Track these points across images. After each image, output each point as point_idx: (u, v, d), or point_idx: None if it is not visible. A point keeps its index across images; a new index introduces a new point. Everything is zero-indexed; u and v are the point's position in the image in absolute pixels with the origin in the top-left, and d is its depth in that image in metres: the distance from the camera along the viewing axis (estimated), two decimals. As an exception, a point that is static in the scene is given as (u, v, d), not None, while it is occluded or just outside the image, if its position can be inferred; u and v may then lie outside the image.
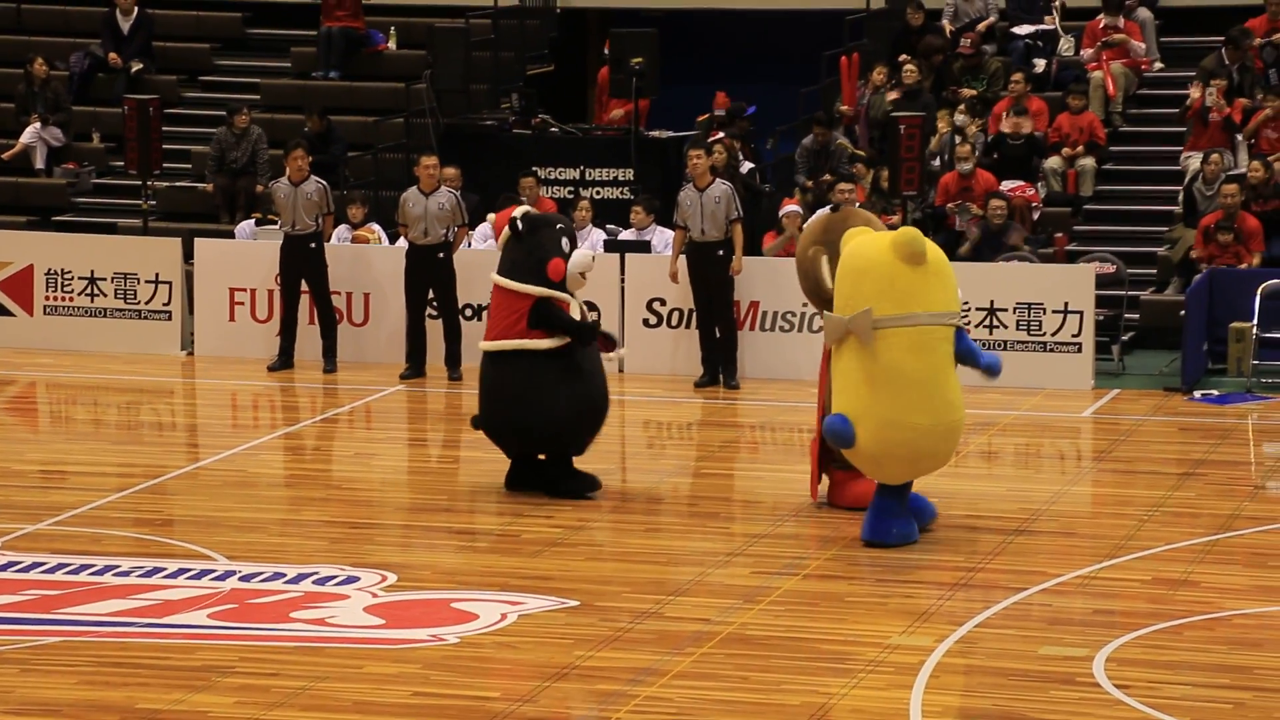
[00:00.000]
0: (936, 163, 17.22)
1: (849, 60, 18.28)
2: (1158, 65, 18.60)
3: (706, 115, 18.12)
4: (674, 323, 15.44)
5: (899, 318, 9.94)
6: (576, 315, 11.08)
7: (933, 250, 10.10)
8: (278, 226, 15.62)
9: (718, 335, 14.97)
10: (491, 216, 11.80)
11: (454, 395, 14.84)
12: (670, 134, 18.11)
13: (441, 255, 15.16)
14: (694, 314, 15.12)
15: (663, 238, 15.85)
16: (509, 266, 11.16)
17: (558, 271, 11.01)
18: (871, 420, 9.99)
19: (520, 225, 11.08)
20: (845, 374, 10.12)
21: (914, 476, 10.25)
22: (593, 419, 11.18)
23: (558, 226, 11.26)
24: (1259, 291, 14.82)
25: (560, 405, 10.96)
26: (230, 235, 17.35)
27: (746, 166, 17.45)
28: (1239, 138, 16.85)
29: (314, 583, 9.56)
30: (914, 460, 10.13)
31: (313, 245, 15.42)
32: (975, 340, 14.30)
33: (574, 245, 11.21)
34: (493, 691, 7.93)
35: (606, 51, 18.58)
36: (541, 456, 11.33)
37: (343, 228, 16.28)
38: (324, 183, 15.67)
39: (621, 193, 17.66)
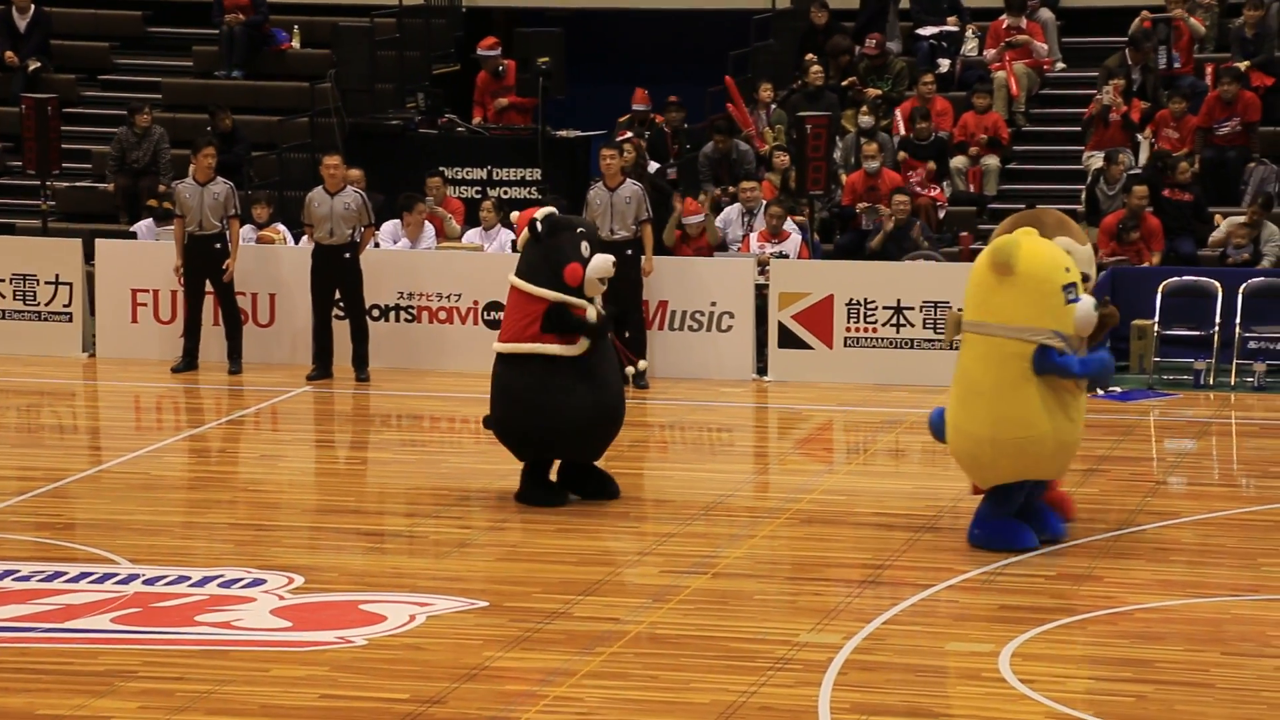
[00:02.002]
0: (843, 161, 17.32)
1: (734, 82, 18.27)
2: (1060, 65, 18.80)
3: (629, 115, 18.11)
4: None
5: (976, 325, 9.82)
6: (592, 319, 10.82)
7: (1028, 264, 9.68)
8: (172, 222, 15.42)
9: (626, 335, 14.95)
10: (515, 214, 11.47)
11: (361, 397, 14.75)
12: (578, 134, 18.09)
13: (348, 255, 15.06)
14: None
15: (570, 237, 15.80)
16: (526, 268, 10.89)
17: (575, 277, 10.75)
18: (949, 422, 10.03)
19: (540, 227, 10.83)
20: (953, 374, 10.08)
21: (987, 485, 10.00)
22: (605, 427, 10.95)
23: (578, 230, 10.96)
24: (1160, 289, 15.01)
25: (570, 411, 10.74)
26: (132, 236, 17.15)
27: (654, 166, 17.45)
28: (1139, 137, 17.04)
29: (219, 585, 9.45)
30: (976, 470, 9.99)
31: (218, 246, 15.26)
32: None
33: (595, 249, 10.91)
34: (401, 693, 7.88)
35: (479, 51, 18.51)
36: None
37: (248, 228, 16.13)
38: (230, 183, 15.52)
39: (529, 193, 17.61)
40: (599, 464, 11.25)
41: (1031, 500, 10.09)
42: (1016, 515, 10.03)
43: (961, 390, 9.92)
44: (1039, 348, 9.69)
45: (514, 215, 11.54)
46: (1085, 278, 9.94)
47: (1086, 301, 9.79)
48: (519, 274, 10.95)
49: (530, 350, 10.80)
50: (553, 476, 11.21)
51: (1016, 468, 9.86)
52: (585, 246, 10.88)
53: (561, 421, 10.78)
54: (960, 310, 10.06)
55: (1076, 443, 10.02)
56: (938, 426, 10.14)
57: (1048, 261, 9.73)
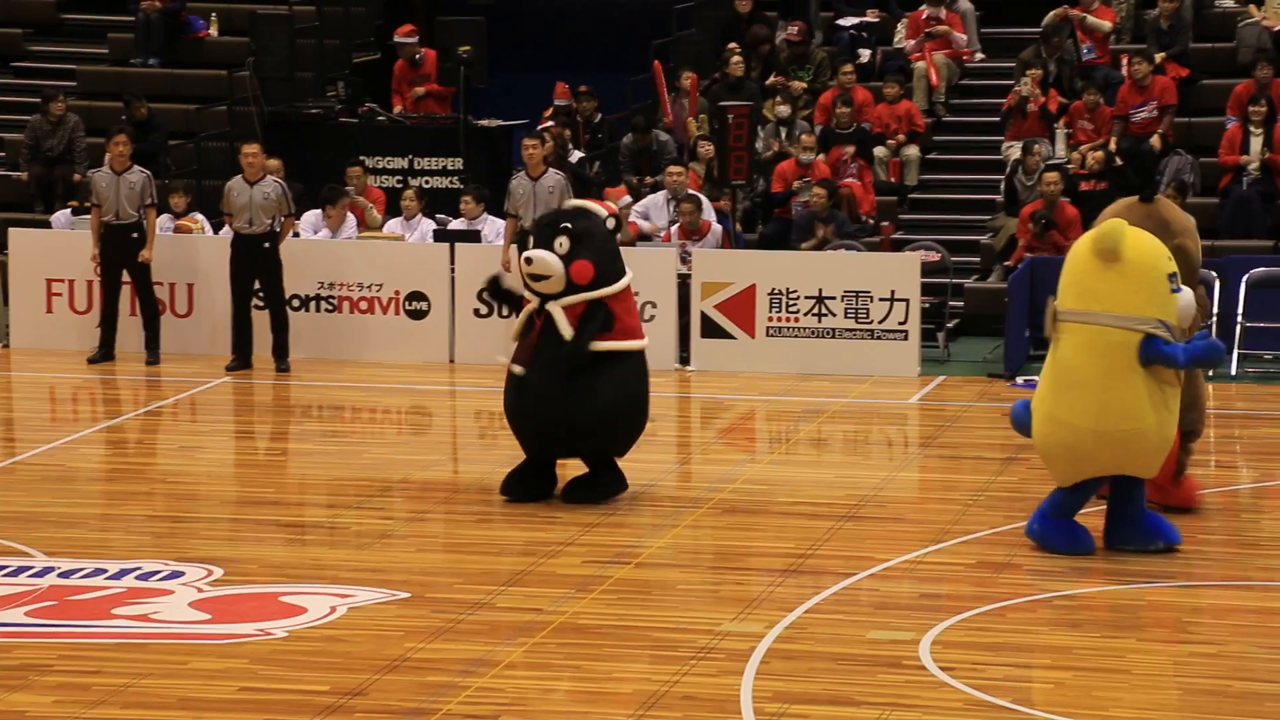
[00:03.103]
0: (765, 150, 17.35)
1: (661, 67, 18.29)
2: (979, 56, 18.92)
3: (551, 109, 18.06)
4: (505, 313, 15.32)
5: (1078, 314, 9.46)
6: (558, 320, 10.61)
7: (1134, 251, 9.40)
8: (93, 215, 15.26)
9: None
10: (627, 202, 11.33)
11: (281, 387, 14.64)
12: (500, 123, 18.03)
13: (267, 245, 14.94)
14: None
15: (494, 227, 15.77)
16: (607, 264, 10.66)
17: (586, 276, 10.62)
18: (1040, 413, 9.64)
19: (611, 224, 10.73)
20: (1045, 363, 9.76)
21: (1076, 480, 9.66)
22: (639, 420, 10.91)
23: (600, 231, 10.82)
24: (1078, 279, 15.10)
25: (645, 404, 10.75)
26: (47, 225, 16.94)
27: (576, 155, 17.43)
28: (1056, 127, 17.18)
29: (137, 578, 9.35)
30: (1074, 462, 9.59)
31: (134, 235, 15.10)
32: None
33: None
34: (321, 685, 7.82)
35: (396, 38, 18.43)
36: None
37: (165, 217, 15.97)
38: (147, 172, 15.37)
39: (450, 182, 17.54)
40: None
41: (1138, 506, 9.71)
42: (1126, 524, 9.71)
43: (1060, 381, 9.52)
44: (1145, 337, 9.36)
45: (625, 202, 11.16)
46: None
47: (1188, 292, 9.54)
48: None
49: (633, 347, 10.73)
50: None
51: (1117, 461, 9.53)
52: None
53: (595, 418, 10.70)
54: (1049, 303, 9.66)
55: (1174, 437, 9.69)
56: (1022, 420, 9.75)
57: (1153, 249, 9.47)
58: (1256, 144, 16.30)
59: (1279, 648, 8.26)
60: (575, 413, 10.58)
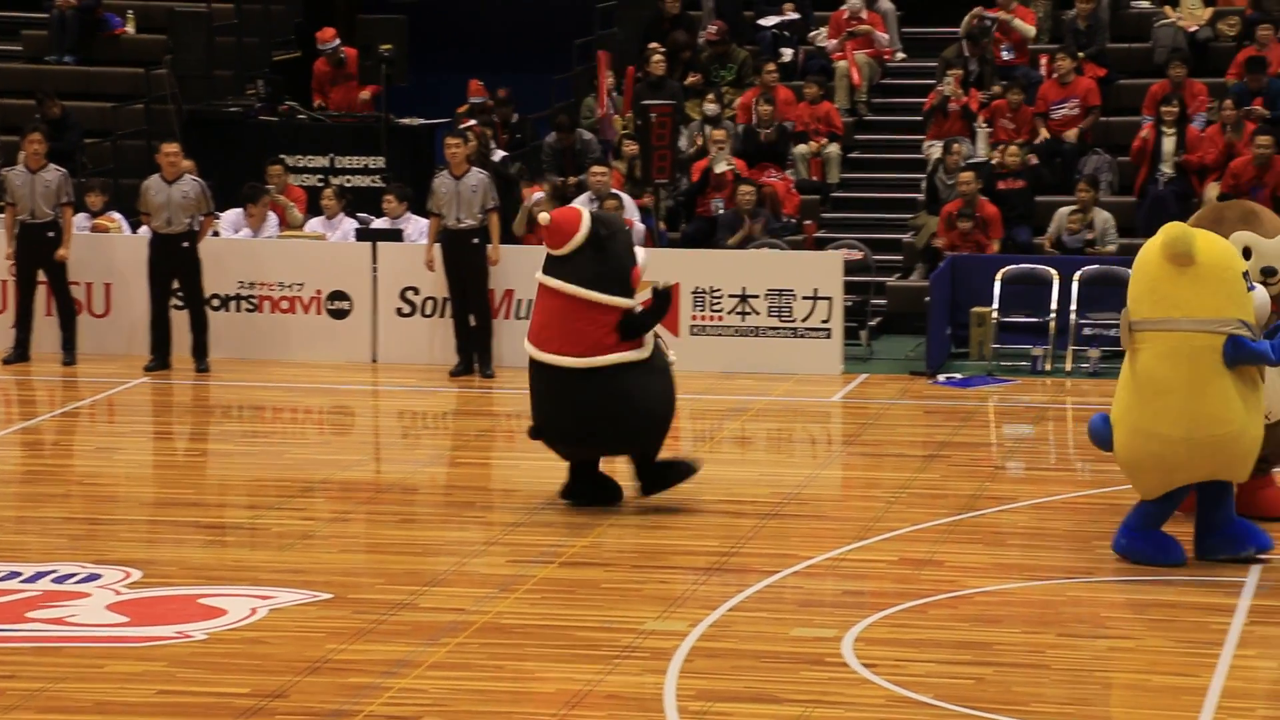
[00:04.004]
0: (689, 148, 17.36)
1: (604, 57, 18.30)
2: (900, 55, 19.02)
3: (466, 106, 18.00)
4: (428, 312, 15.32)
5: (1155, 322, 9.27)
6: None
7: (1207, 253, 9.23)
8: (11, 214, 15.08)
9: (473, 324, 14.89)
10: (545, 217, 10.71)
11: (201, 388, 14.51)
12: (422, 122, 17.96)
13: (186, 245, 14.81)
14: (449, 303, 15.02)
15: (417, 226, 15.71)
16: (593, 278, 10.38)
17: (637, 280, 10.52)
18: (1125, 427, 9.44)
19: (601, 233, 10.49)
20: (1121, 376, 9.56)
21: (1164, 491, 9.48)
22: (672, 416, 10.74)
23: (626, 230, 10.81)
24: (998, 276, 15.24)
25: (658, 404, 10.52)
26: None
27: (499, 154, 17.38)
28: (977, 126, 17.30)
29: (52, 581, 9.24)
30: (1165, 473, 9.40)
31: (50, 234, 14.93)
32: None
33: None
34: (241, 687, 7.76)
35: (319, 45, 18.36)
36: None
37: (81, 216, 15.80)
38: (63, 170, 15.20)
39: (372, 181, 17.46)
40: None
41: (1226, 513, 9.55)
42: (1216, 532, 9.56)
43: (1144, 392, 9.33)
44: (1230, 338, 9.19)
45: (543, 218, 10.72)
46: (1274, 270, 9.66)
47: (1260, 289, 9.43)
48: (579, 282, 10.39)
49: (618, 361, 10.40)
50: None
51: (1211, 467, 9.36)
52: (636, 248, 10.69)
53: (656, 418, 10.55)
54: (1123, 314, 9.51)
55: (1261, 437, 9.47)
56: (1101, 434, 9.56)
57: (1225, 249, 9.34)
58: (1169, 144, 16.48)
59: (1194, 641, 8.35)
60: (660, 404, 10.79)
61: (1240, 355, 9.23)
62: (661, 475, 10.76)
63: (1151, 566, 9.44)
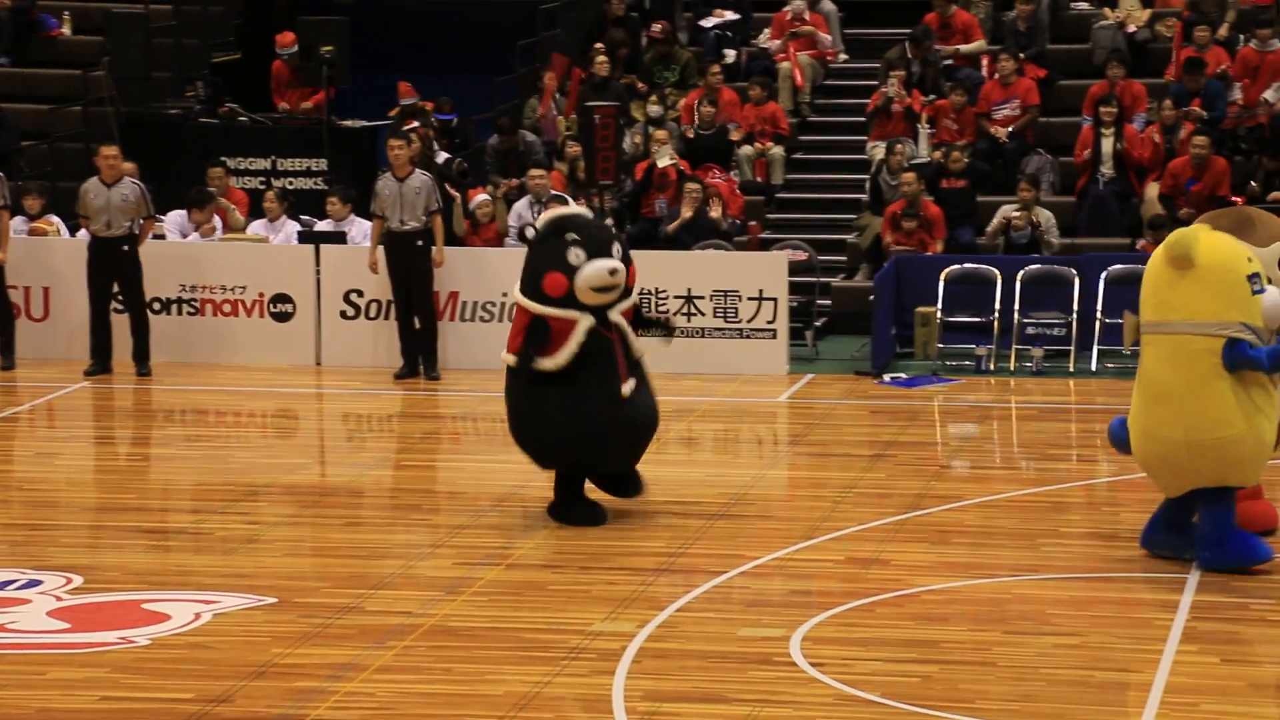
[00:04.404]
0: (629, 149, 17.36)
1: (558, 59, 18.26)
2: (843, 57, 19.08)
3: (398, 109, 17.94)
4: (372, 314, 15.25)
5: (1157, 325, 9.26)
6: (577, 338, 10.11)
7: (1207, 256, 9.16)
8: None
9: (417, 326, 14.84)
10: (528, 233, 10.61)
11: (143, 392, 14.40)
12: (364, 123, 17.88)
13: (126, 248, 14.69)
14: (393, 305, 14.95)
15: (360, 228, 15.64)
16: (522, 275, 10.38)
17: (555, 287, 10.12)
18: (1135, 430, 9.43)
19: (529, 234, 10.33)
20: (1135, 379, 9.53)
21: (1179, 492, 9.41)
22: (597, 440, 10.17)
23: (568, 236, 10.14)
24: (942, 276, 15.30)
25: (555, 423, 10.17)
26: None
27: (442, 157, 17.33)
28: (920, 127, 17.37)
29: (-6, 588, 9.15)
30: (1173, 475, 9.34)
31: (-13, 238, 14.79)
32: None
33: (596, 254, 10.12)
34: (186, 693, 7.69)
35: (278, 49, 18.31)
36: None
37: (19, 220, 15.65)
38: None
39: (315, 183, 17.37)
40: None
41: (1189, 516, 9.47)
42: (1164, 528, 9.53)
43: (1148, 394, 9.33)
44: (1229, 341, 9.12)
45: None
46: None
47: (1274, 291, 9.24)
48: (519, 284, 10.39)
49: (506, 361, 10.35)
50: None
51: (1217, 471, 9.26)
52: (576, 253, 10.14)
53: (550, 431, 10.23)
54: (1126, 317, 9.56)
55: (1273, 442, 9.33)
56: (1120, 437, 9.55)
57: (1229, 251, 9.22)
58: (1107, 144, 16.58)
59: (1138, 637, 8.40)
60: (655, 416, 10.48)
61: (1237, 359, 9.14)
62: (563, 506, 10.42)
63: (1173, 560, 9.37)
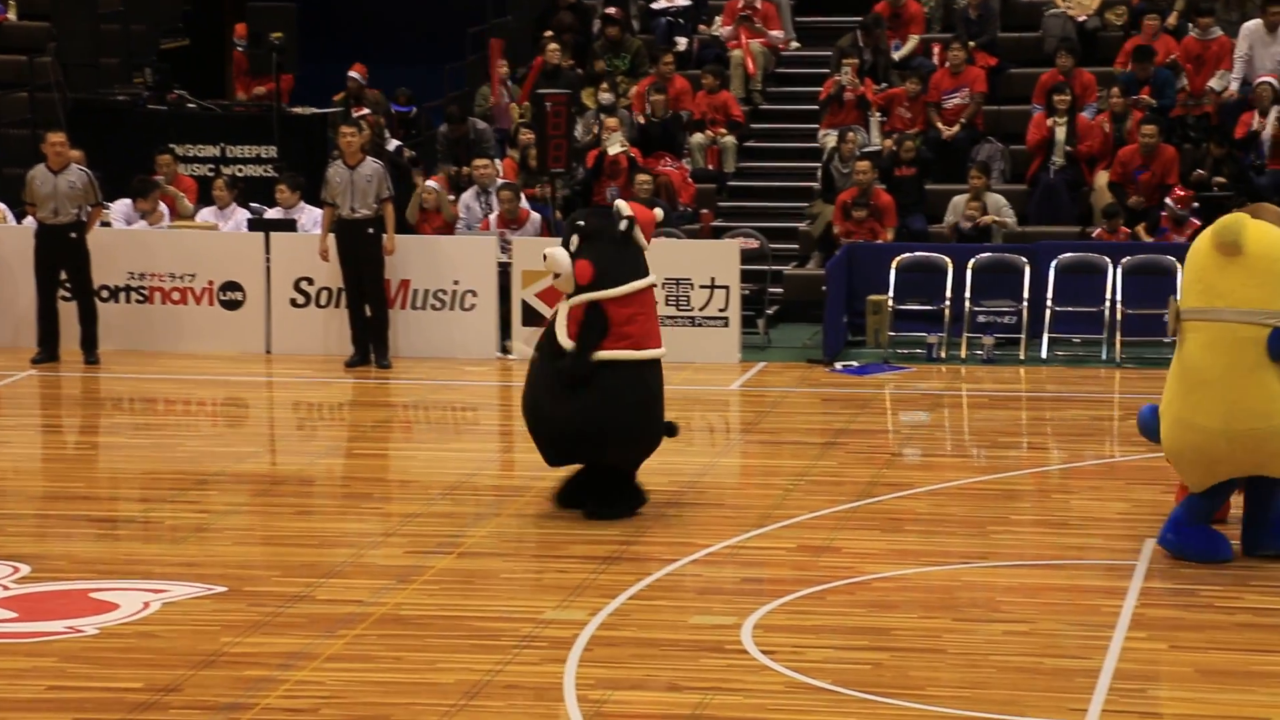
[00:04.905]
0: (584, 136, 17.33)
1: (497, 45, 18.21)
2: (794, 44, 19.10)
3: (344, 94, 17.85)
4: (323, 302, 15.19)
5: (1201, 311, 9.08)
6: (558, 322, 10.06)
7: (1256, 244, 9.01)
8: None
9: (369, 314, 14.78)
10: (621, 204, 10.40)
11: (91, 380, 14.29)
12: (314, 110, 17.80)
13: (74, 235, 14.58)
14: (344, 293, 14.89)
15: (311, 216, 15.57)
16: (603, 270, 10.07)
17: (584, 276, 10.02)
18: (1168, 417, 9.24)
19: (624, 225, 10.13)
20: (1171, 366, 9.34)
21: (1210, 483, 9.25)
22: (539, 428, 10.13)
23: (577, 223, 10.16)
24: (894, 264, 15.34)
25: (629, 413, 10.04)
26: None
27: (393, 144, 17.26)
28: (871, 115, 17.41)
29: (-61, 579, 9.06)
30: (1207, 465, 9.17)
31: (-66, 224, 14.65)
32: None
33: (581, 243, 10.07)
34: (135, 682, 7.64)
35: (235, 39, 18.22)
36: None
37: (-35, 207, 15.53)
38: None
39: (265, 170, 17.27)
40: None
41: (1275, 509, 9.29)
42: (1264, 527, 9.31)
43: (1186, 381, 9.15)
44: (1275, 331, 8.99)
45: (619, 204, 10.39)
46: None
47: None
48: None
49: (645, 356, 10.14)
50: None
51: (1253, 461, 9.12)
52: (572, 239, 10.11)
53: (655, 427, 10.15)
54: (1170, 303, 9.37)
55: None
56: (1149, 425, 9.38)
57: (1278, 241, 9.10)
58: (1060, 133, 16.65)
59: (1087, 624, 8.44)
60: (573, 418, 10.05)
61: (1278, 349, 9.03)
62: (622, 496, 10.24)
63: (1198, 562, 9.24)
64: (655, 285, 10.43)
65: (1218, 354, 9.11)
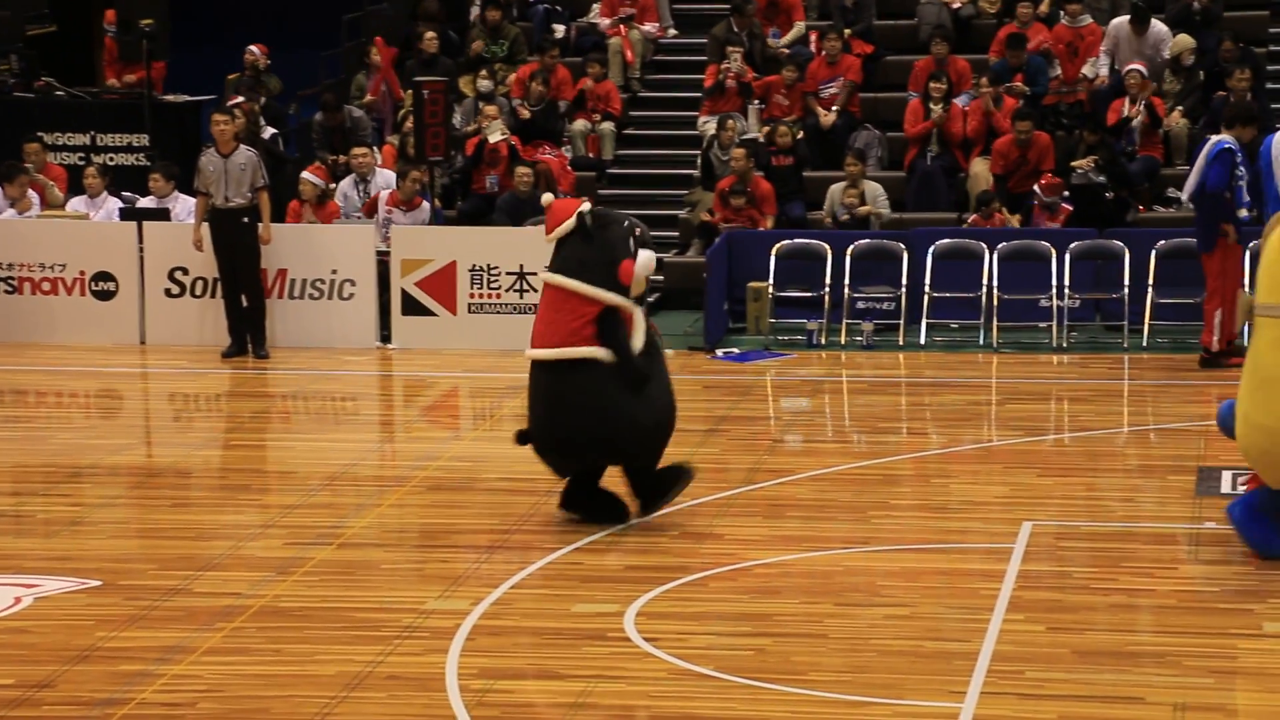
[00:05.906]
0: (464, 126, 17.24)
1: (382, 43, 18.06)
2: (672, 32, 19.12)
3: (238, 74, 17.60)
4: (198, 292, 14.99)
5: (1271, 308, 8.80)
6: (640, 334, 9.80)
7: None
8: None
9: (245, 304, 14.61)
10: (548, 197, 10.18)
11: (-41, 372, 14.00)
12: (187, 98, 17.55)
13: (-59, 224, 14.27)
14: (219, 283, 14.70)
15: (185, 205, 15.35)
16: (577, 266, 9.81)
17: (628, 274, 9.76)
18: (1239, 415, 8.97)
19: (589, 221, 9.83)
20: (1244, 361, 9.07)
21: (1276, 484, 8.91)
22: (669, 426, 9.86)
23: (625, 224, 10.01)
24: (773, 252, 15.41)
25: (640, 412, 9.69)
26: None
27: (269, 132, 17.06)
28: (750, 103, 17.46)
29: None
30: (1269, 466, 8.88)
31: None
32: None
33: (640, 245, 9.91)
34: (6, 679, 7.50)
35: (105, 24, 17.93)
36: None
37: None
38: None
39: (137, 159, 17.02)
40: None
41: None
42: None
43: (1254, 379, 8.87)
44: None
45: (546, 198, 10.18)
46: None
47: None
48: (565, 271, 9.80)
49: (585, 355, 9.70)
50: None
51: None
52: (633, 242, 9.88)
53: (633, 425, 9.72)
54: (1243, 297, 9.17)
55: None
56: (1227, 421, 9.12)
57: None
58: (936, 115, 16.78)
59: (967, 607, 8.52)
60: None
61: None
62: (656, 487, 9.96)
63: (1245, 548, 9.09)
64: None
65: None
